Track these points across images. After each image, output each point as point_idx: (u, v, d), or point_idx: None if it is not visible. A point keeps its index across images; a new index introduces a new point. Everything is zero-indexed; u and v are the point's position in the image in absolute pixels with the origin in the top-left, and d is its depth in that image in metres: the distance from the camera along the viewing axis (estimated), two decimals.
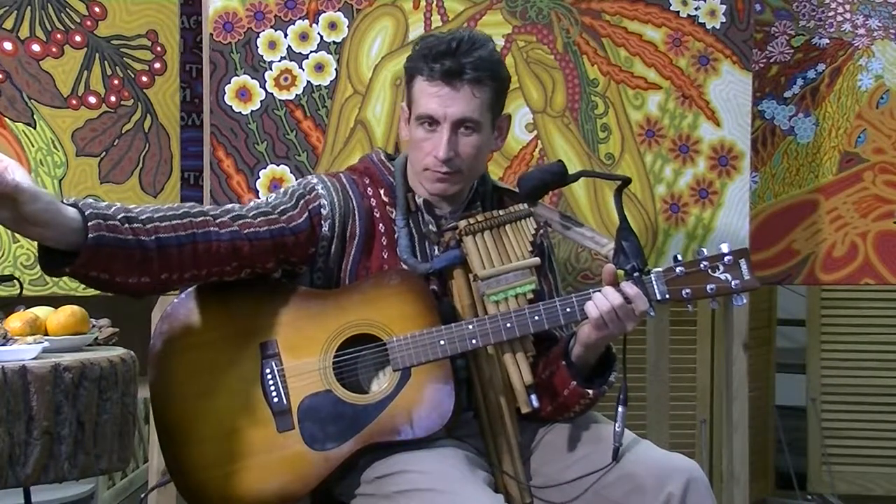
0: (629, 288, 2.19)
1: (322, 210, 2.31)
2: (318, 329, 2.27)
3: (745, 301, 2.27)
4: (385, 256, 2.33)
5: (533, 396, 2.25)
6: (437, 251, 2.34)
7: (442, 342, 2.23)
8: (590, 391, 2.26)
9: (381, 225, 2.35)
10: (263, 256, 2.25)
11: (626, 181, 2.37)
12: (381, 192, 2.37)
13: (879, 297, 4.08)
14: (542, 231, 2.41)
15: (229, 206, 2.29)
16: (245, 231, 2.22)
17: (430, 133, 2.29)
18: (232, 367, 2.27)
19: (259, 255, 2.24)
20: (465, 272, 2.31)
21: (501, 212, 2.34)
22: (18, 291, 2.50)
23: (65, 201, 2.05)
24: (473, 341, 2.24)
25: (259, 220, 2.25)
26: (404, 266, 2.31)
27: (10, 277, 2.59)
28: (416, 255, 2.33)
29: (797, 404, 4.23)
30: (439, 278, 2.32)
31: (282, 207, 2.29)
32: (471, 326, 2.25)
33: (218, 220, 2.21)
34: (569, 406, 2.29)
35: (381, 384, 2.26)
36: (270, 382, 2.25)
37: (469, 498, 2.09)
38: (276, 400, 2.24)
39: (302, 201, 2.31)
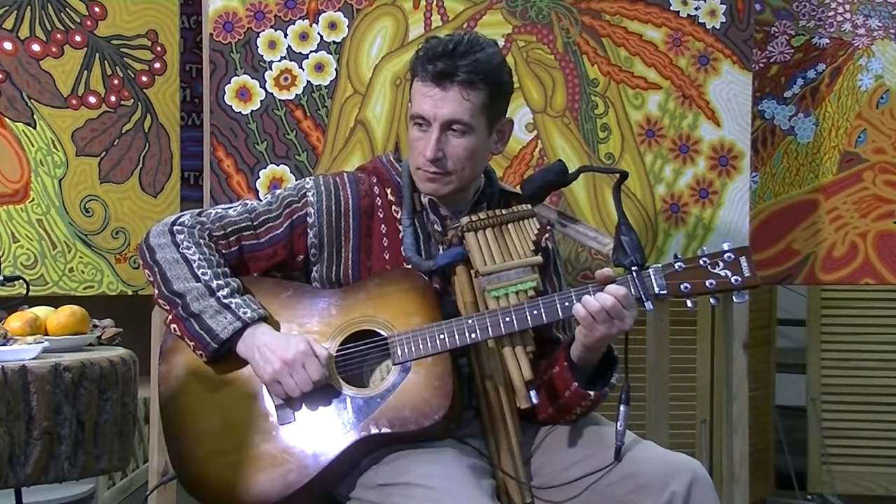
0: (617, 288, 2.19)
1: (308, 219, 2.35)
2: (321, 325, 2.29)
3: (745, 298, 2.27)
4: (387, 257, 2.34)
5: (532, 392, 2.25)
6: (441, 250, 2.35)
7: (441, 336, 2.24)
8: (591, 393, 2.26)
9: (382, 226, 2.36)
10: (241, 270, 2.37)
11: (624, 175, 2.38)
12: (388, 191, 2.38)
13: (879, 297, 4.08)
14: (547, 235, 2.42)
15: (226, 217, 2.37)
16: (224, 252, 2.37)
17: (422, 133, 2.31)
18: (238, 362, 2.28)
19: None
20: (467, 269, 2.32)
21: (504, 210, 2.35)
22: (25, 292, 2.50)
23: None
24: (473, 335, 2.25)
25: (232, 238, 2.35)
26: (408, 264, 2.33)
27: (17, 278, 2.59)
28: (421, 254, 2.34)
29: (797, 404, 4.24)
30: (443, 276, 2.33)
31: (263, 217, 2.37)
32: (470, 321, 2.25)
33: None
34: (570, 408, 2.29)
35: (382, 378, 2.27)
36: None
37: None
38: None
39: (287, 210, 2.37)
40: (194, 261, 2.29)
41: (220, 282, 2.28)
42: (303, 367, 2.21)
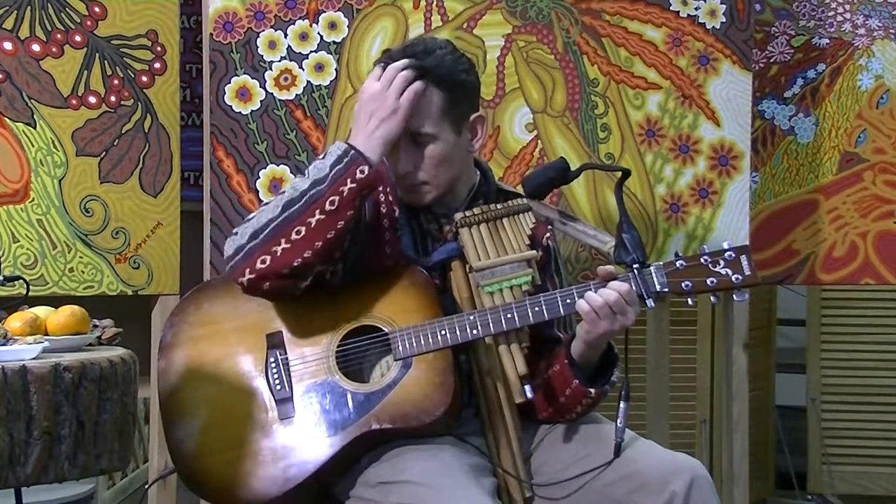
0: (620, 284, 2.20)
1: None
2: (323, 321, 2.29)
3: (746, 297, 2.28)
4: (388, 251, 2.34)
5: (527, 387, 2.25)
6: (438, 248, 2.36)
7: (443, 332, 2.24)
8: (591, 391, 2.26)
9: (385, 220, 2.36)
10: None
11: (626, 173, 2.38)
12: (388, 190, 2.38)
13: (879, 297, 4.08)
14: (548, 234, 2.42)
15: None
16: None
17: (393, 148, 2.31)
18: (238, 357, 2.30)
19: None
20: (463, 265, 2.32)
21: (499, 206, 2.35)
22: (25, 292, 2.50)
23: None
24: (474, 332, 2.25)
25: None
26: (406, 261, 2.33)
27: (17, 278, 2.58)
28: (419, 252, 2.35)
29: (797, 404, 4.23)
30: (442, 273, 2.34)
31: None
32: (472, 317, 2.25)
33: None
34: (570, 406, 2.29)
35: (383, 374, 2.27)
36: (274, 371, 2.27)
37: None
38: (278, 388, 2.26)
39: None
40: (265, 205, 2.28)
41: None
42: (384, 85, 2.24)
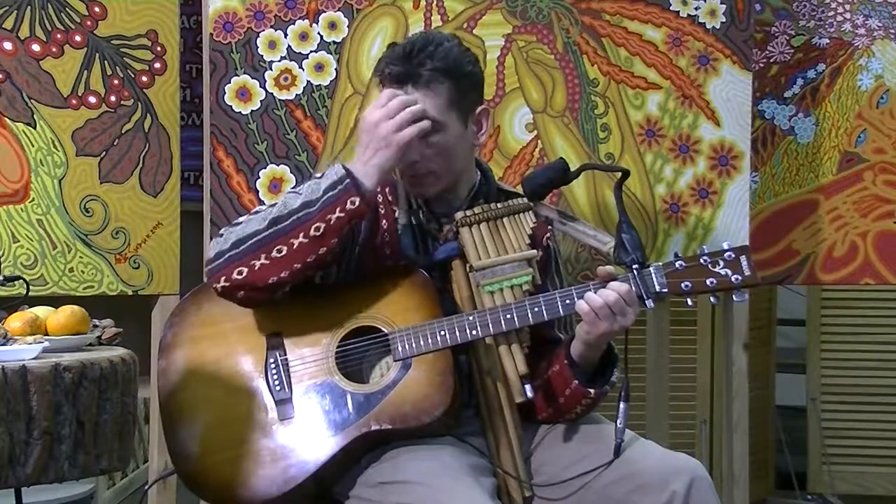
0: (619, 285, 2.20)
1: None
2: (322, 321, 2.30)
3: (745, 297, 2.28)
4: (388, 252, 2.35)
5: (527, 386, 2.25)
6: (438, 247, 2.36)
7: (442, 332, 2.24)
8: (591, 391, 2.26)
9: (384, 221, 2.37)
10: None
11: (626, 173, 2.38)
12: (387, 190, 2.39)
13: (879, 297, 4.08)
14: (548, 234, 2.43)
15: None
16: None
17: None
18: (238, 358, 2.30)
19: None
20: (463, 264, 2.33)
21: (499, 205, 2.36)
22: (25, 292, 2.50)
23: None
24: (474, 332, 2.25)
25: None
26: (405, 262, 2.33)
27: (17, 278, 2.58)
28: (419, 252, 2.35)
29: (797, 404, 4.24)
30: (441, 272, 2.34)
31: None
32: (471, 318, 2.26)
33: None
34: (570, 406, 2.29)
35: (382, 374, 2.27)
36: (274, 372, 2.28)
37: None
38: (278, 389, 2.27)
39: None
40: (255, 212, 2.28)
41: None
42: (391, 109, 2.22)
